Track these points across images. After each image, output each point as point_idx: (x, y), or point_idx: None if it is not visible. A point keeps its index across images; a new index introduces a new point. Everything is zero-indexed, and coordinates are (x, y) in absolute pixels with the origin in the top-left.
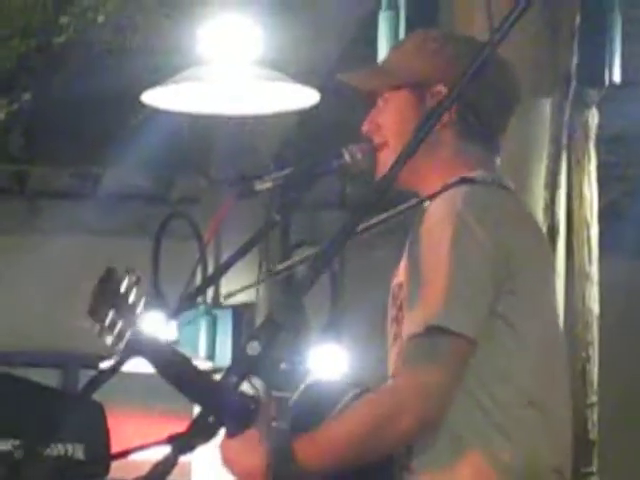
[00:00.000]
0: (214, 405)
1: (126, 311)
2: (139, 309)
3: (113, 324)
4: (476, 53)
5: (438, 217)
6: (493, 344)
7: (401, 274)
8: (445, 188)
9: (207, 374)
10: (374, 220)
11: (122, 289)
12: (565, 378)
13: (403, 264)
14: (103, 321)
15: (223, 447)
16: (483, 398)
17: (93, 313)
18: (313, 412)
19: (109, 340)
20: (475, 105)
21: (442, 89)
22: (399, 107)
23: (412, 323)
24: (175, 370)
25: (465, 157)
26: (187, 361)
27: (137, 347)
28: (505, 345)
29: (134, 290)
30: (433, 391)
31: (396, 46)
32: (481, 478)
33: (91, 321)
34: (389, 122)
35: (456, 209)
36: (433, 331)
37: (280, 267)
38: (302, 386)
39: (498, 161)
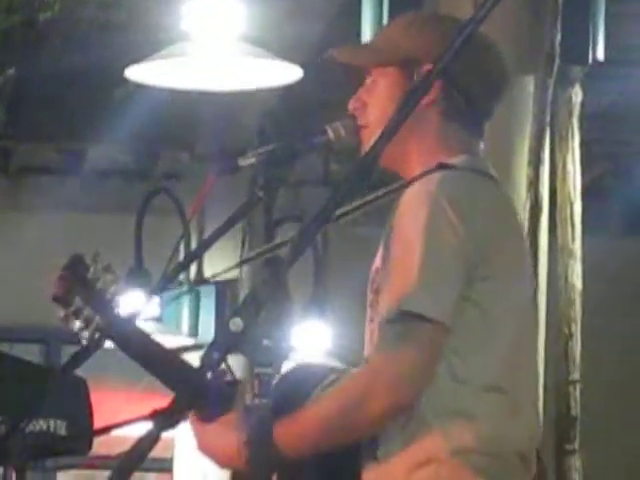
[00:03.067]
0: (191, 392)
1: (94, 298)
2: (109, 294)
3: (79, 311)
4: (461, 28)
5: (412, 202)
6: (462, 328)
7: (378, 258)
8: (424, 174)
9: (183, 361)
10: (357, 202)
11: (89, 275)
12: (534, 365)
13: (380, 249)
14: (68, 307)
15: (199, 432)
16: (448, 381)
17: (58, 299)
18: (293, 397)
19: (75, 325)
20: (461, 85)
21: (430, 67)
22: (386, 86)
23: (385, 308)
24: (148, 356)
25: (448, 140)
26: (162, 348)
27: (108, 334)
28: (473, 330)
29: (103, 276)
30: (405, 377)
31: (386, 25)
32: (440, 462)
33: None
34: (375, 101)
35: (430, 193)
36: (406, 316)
37: (263, 248)
38: (284, 371)
39: (482, 145)
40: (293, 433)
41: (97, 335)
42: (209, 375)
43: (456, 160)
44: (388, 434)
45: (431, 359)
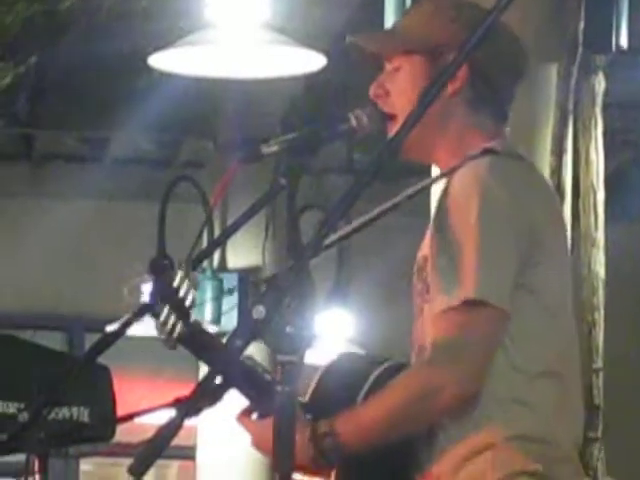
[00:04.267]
0: (257, 389)
1: (178, 305)
2: (188, 301)
3: (167, 318)
4: (484, 17)
5: (463, 187)
6: (516, 315)
7: (426, 246)
8: (468, 159)
9: (247, 362)
10: (398, 197)
11: (175, 283)
12: (578, 351)
13: (428, 236)
14: (158, 317)
15: (256, 428)
16: (505, 368)
17: (149, 310)
18: (344, 384)
19: (162, 336)
20: (485, 72)
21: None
22: (411, 74)
23: (446, 296)
24: (217, 358)
25: (476, 127)
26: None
27: (191, 343)
28: (528, 316)
29: (184, 284)
30: (472, 366)
31: (409, 11)
32: (497, 448)
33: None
34: (399, 89)
35: (481, 178)
36: (470, 304)
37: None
38: (332, 358)
39: (507, 130)
40: (359, 425)
41: (180, 343)
42: (270, 375)
43: (493, 144)
44: (447, 424)
45: (495, 346)
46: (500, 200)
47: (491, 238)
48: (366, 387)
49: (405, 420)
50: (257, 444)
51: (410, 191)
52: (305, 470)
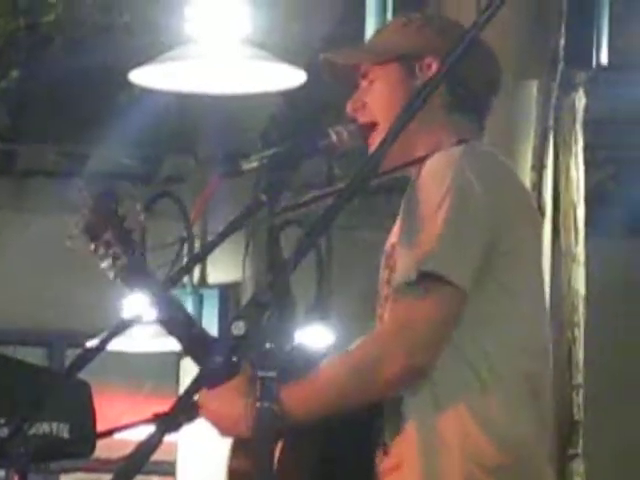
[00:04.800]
0: (199, 352)
1: (122, 234)
2: (134, 236)
3: (108, 245)
4: (465, 31)
5: (435, 168)
6: (486, 303)
7: (394, 234)
8: (444, 150)
9: (196, 323)
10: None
11: (120, 212)
12: (549, 350)
13: (397, 224)
14: (98, 240)
15: (204, 398)
16: (471, 354)
17: (88, 230)
18: (300, 366)
19: (104, 264)
20: (463, 78)
21: (432, 62)
22: (388, 83)
23: (403, 270)
24: (167, 311)
25: (455, 130)
26: (180, 304)
27: (131, 277)
28: (498, 305)
29: (131, 215)
30: (420, 340)
31: (381, 27)
32: (464, 434)
33: (85, 239)
34: (377, 100)
35: (455, 163)
36: (425, 278)
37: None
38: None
39: (485, 138)
40: (304, 395)
41: (121, 275)
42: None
43: (469, 140)
44: (414, 407)
45: (448, 323)
46: (471, 182)
47: (457, 219)
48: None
49: (350, 390)
50: (206, 415)
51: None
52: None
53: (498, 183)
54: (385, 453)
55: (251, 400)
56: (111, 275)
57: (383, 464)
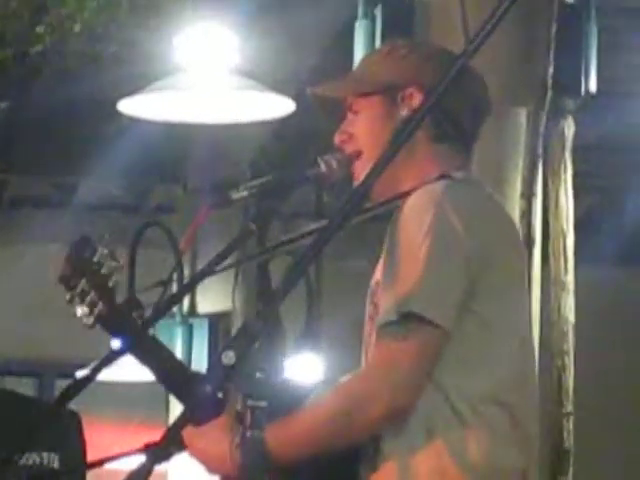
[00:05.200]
0: (184, 391)
1: (98, 281)
2: (112, 282)
3: (84, 294)
4: (452, 60)
5: (416, 207)
6: (466, 340)
7: (378, 271)
8: (425, 183)
9: (178, 360)
10: (360, 214)
11: (95, 258)
12: (534, 382)
13: (381, 261)
14: (73, 289)
15: (190, 436)
16: (451, 392)
17: (64, 280)
18: (286, 402)
19: (79, 311)
20: (448, 111)
21: (414, 92)
22: (371, 114)
23: (385, 310)
24: (148, 350)
25: (441, 160)
26: (160, 344)
27: (110, 323)
28: (478, 342)
29: (107, 262)
30: (404, 380)
31: (366, 56)
32: (441, 473)
33: (62, 288)
34: (362, 130)
35: (435, 200)
36: (407, 318)
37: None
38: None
39: (473, 166)
40: (288, 437)
41: (99, 322)
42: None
43: (455, 174)
44: (390, 443)
45: (429, 362)
46: (452, 221)
47: (437, 258)
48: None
49: (334, 431)
50: (192, 452)
51: (369, 208)
52: None
53: (480, 220)
54: None
55: (237, 438)
56: (89, 322)
57: None
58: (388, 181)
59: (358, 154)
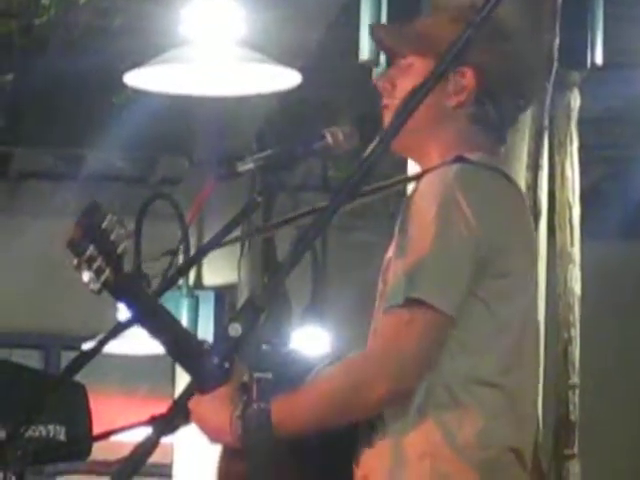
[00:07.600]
0: (190, 359)
1: (106, 248)
2: (120, 249)
3: (92, 259)
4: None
5: (427, 191)
6: (467, 324)
7: (391, 248)
8: (441, 165)
9: (185, 329)
10: (372, 187)
11: (104, 225)
12: (535, 365)
13: (394, 239)
14: (81, 255)
15: (194, 404)
16: (446, 373)
17: (72, 244)
18: (291, 375)
19: (86, 276)
20: (493, 92)
21: (468, 72)
22: (422, 75)
23: (391, 292)
24: (156, 318)
25: (470, 140)
26: (167, 311)
27: (116, 289)
28: (478, 327)
29: (117, 229)
30: (406, 365)
31: (435, 13)
32: (433, 452)
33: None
34: (406, 87)
35: (446, 185)
36: (413, 303)
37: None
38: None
39: (502, 150)
40: (293, 411)
41: (105, 289)
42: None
43: (474, 156)
44: (386, 421)
45: (433, 349)
46: (459, 208)
47: (444, 243)
48: (311, 376)
49: (337, 409)
50: (195, 420)
51: (384, 184)
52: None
53: (490, 205)
54: (356, 464)
55: (238, 410)
56: (95, 288)
57: (355, 475)
58: (416, 143)
59: (391, 105)
